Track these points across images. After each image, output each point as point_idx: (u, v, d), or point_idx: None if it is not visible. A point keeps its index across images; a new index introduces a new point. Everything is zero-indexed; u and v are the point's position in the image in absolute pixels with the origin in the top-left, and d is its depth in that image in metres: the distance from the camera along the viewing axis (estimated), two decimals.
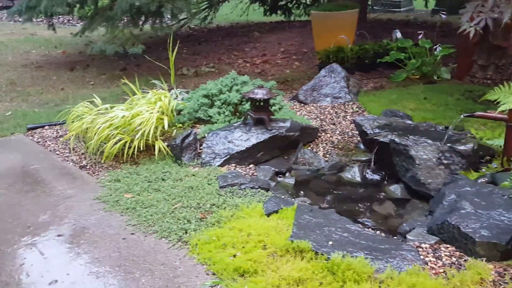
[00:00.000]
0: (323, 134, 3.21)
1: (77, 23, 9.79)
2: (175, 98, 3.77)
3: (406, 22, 9.27)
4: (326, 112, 3.51)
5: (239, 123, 3.06)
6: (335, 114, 3.47)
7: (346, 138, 3.14)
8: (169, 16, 4.76)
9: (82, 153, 3.13)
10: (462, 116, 2.50)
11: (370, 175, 2.75)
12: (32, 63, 6.35)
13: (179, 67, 5.92)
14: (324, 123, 3.36)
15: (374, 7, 10.65)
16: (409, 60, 4.81)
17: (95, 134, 2.88)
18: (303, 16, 9.57)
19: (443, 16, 4.80)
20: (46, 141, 3.42)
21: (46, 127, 3.68)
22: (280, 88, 4.82)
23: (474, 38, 3.60)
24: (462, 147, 2.38)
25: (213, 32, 8.81)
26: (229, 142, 2.88)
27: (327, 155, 2.98)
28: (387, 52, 5.19)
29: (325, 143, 3.10)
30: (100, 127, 2.87)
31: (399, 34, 5.41)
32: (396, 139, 2.58)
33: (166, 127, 2.93)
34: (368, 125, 2.89)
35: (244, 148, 2.82)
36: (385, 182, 2.67)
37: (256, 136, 2.86)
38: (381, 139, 2.69)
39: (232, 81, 3.54)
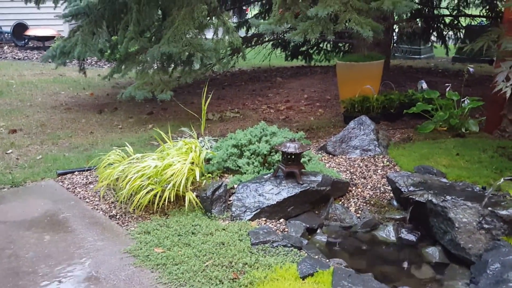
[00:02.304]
0: (354, 188, 3.16)
1: (104, 65, 10.10)
2: (203, 146, 3.79)
3: (428, 70, 9.33)
4: (356, 165, 3.47)
5: (269, 175, 3.04)
6: (365, 168, 3.42)
7: (378, 194, 3.08)
8: (198, 65, 4.87)
9: (112, 202, 3.13)
10: (503, 180, 2.43)
11: (405, 235, 2.67)
12: (61, 105, 6.52)
13: (206, 111, 6.00)
14: (355, 176, 3.32)
15: (395, 54, 10.77)
16: (436, 112, 4.78)
17: (126, 183, 2.89)
18: (324, 61, 9.75)
19: (471, 69, 4.79)
20: (76, 187, 3.44)
21: (76, 172, 3.72)
22: (305, 136, 4.83)
23: (504, 92, 3.57)
24: (504, 212, 2.31)
25: (236, 76, 8.99)
26: (259, 195, 2.85)
27: (359, 211, 2.92)
28: (412, 102, 5.19)
29: (357, 198, 3.05)
30: (132, 177, 2.88)
31: (424, 85, 5.41)
32: (434, 200, 2.51)
33: (197, 178, 2.92)
34: (402, 182, 2.84)
35: (275, 202, 2.78)
36: (422, 244, 2.58)
37: (287, 190, 2.83)
38: (417, 199, 2.62)
39: (261, 131, 3.56)
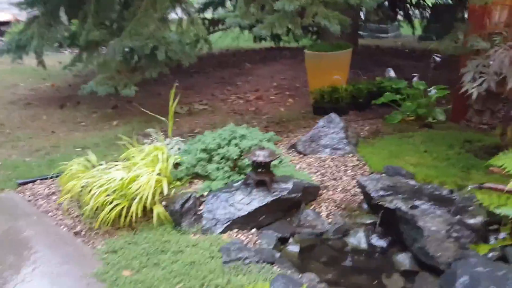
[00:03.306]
0: (324, 191, 3.15)
1: (65, 50, 9.65)
2: (171, 148, 3.69)
3: (395, 51, 9.37)
4: (326, 165, 3.46)
5: (239, 183, 2.98)
6: (335, 168, 3.41)
7: (348, 197, 3.08)
8: (163, 58, 4.69)
9: (76, 216, 3.01)
10: (470, 188, 2.46)
11: (376, 241, 2.69)
12: (20, 99, 6.21)
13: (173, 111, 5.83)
14: (325, 178, 3.31)
15: (363, 32, 10.77)
16: (404, 101, 4.82)
17: (90, 198, 2.77)
18: (292, 42, 9.64)
19: (437, 59, 4.82)
20: (38, 199, 3.29)
21: (38, 181, 3.55)
22: (276, 129, 4.77)
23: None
24: (472, 221, 2.34)
25: (204, 61, 8.76)
26: (230, 205, 2.79)
27: (331, 216, 2.92)
28: (381, 91, 5.21)
29: (327, 202, 3.04)
30: (96, 192, 2.76)
31: (392, 73, 5.43)
32: (403, 208, 2.53)
33: (165, 191, 2.83)
34: (372, 187, 2.85)
35: (246, 213, 2.74)
36: (392, 249, 2.61)
37: (258, 200, 2.79)
38: (386, 205, 2.63)
39: (230, 134, 3.47)
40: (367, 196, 2.87)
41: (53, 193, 3.38)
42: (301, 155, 3.65)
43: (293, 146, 3.81)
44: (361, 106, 5.24)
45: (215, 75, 7.62)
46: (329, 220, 2.87)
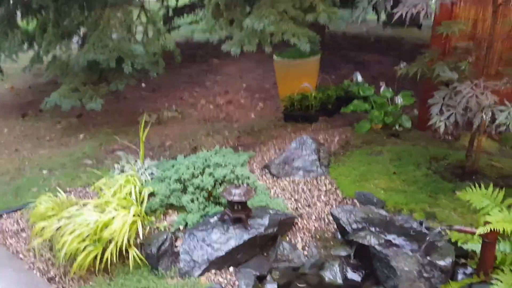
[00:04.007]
0: (299, 220, 3.21)
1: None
2: (142, 174, 3.63)
3: (360, 41, 9.42)
4: (300, 190, 3.50)
5: (216, 219, 2.99)
6: (309, 193, 3.46)
7: (323, 226, 3.15)
8: (129, 71, 4.55)
9: (49, 258, 2.95)
10: (439, 229, 2.56)
11: (351, 274, 2.77)
12: None
13: (140, 111, 5.72)
14: (300, 204, 3.35)
15: None
16: (371, 109, 4.90)
17: (63, 244, 2.71)
18: None
19: (403, 65, 4.90)
20: (6, 237, 3.20)
21: (5, 215, 3.44)
22: (248, 140, 4.77)
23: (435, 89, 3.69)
24: (442, 263, 2.45)
25: (170, 57, 8.56)
26: (207, 245, 2.80)
27: (306, 248, 2.98)
28: (349, 96, 5.28)
29: (303, 233, 3.10)
30: (68, 238, 2.70)
31: (360, 77, 5.49)
32: (377, 247, 2.61)
33: (141, 235, 2.80)
34: (345, 219, 2.92)
35: (224, 253, 2.76)
36: (366, 284, 2.70)
37: (235, 238, 2.81)
38: (360, 241, 2.71)
39: (204, 162, 3.45)
40: (341, 228, 2.95)
41: (23, 230, 3.29)
42: (275, 178, 3.68)
43: (266, 167, 3.83)
44: (331, 112, 5.30)
45: (182, 72, 7.45)
46: (305, 253, 2.93)
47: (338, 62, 7.34)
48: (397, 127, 4.76)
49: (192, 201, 3.23)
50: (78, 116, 5.63)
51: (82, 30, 5.47)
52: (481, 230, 2.28)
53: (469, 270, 2.57)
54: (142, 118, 3.84)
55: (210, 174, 3.33)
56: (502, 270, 2.39)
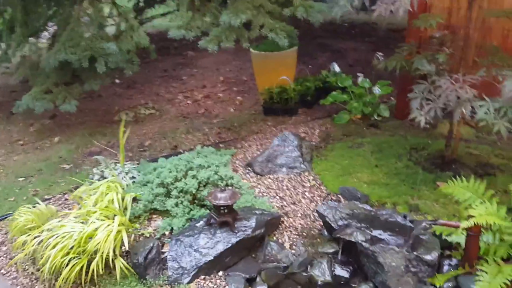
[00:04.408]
0: (285, 218, 3.21)
1: None
2: (124, 177, 3.56)
3: (336, 28, 9.39)
4: (284, 187, 3.50)
5: (202, 223, 2.96)
6: (293, 190, 3.47)
7: (309, 223, 3.16)
8: (102, 70, 4.42)
9: (32, 273, 2.87)
10: (424, 224, 2.60)
11: (339, 271, 2.80)
12: None
13: (116, 110, 5.59)
14: (285, 202, 3.36)
15: None
16: (350, 100, 4.92)
17: (47, 259, 2.64)
18: None
19: (380, 58, 4.92)
20: None
21: None
22: (228, 136, 4.73)
23: (412, 81, 3.72)
24: (428, 257, 2.50)
25: (144, 50, 8.36)
26: (195, 251, 2.78)
27: (294, 246, 2.99)
28: (327, 86, 5.29)
29: (289, 231, 3.11)
30: (51, 252, 2.63)
31: (337, 68, 5.50)
32: (364, 244, 2.64)
33: (126, 244, 2.75)
34: (331, 216, 2.94)
35: (212, 258, 2.74)
36: (355, 279, 2.74)
37: (222, 242, 2.79)
38: (347, 238, 2.74)
39: (186, 164, 3.40)
40: (327, 225, 2.96)
41: (3, 243, 3.19)
42: (259, 176, 3.66)
43: (249, 165, 3.81)
44: (310, 103, 5.30)
45: (157, 66, 7.32)
46: (293, 251, 2.94)
47: (315, 51, 7.33)
48: (375, 116, 4.81)
49: (177, 205, 3.18)
50: (51, 117, 5.46)
51: (52, 28, 5.28)
52: (465, 224, 2.33)
53: (454, 261, 2.63)
54: (122, 122, 3.73)
55: (194, 176, 3.29)
56: (487, 261, 2.46)
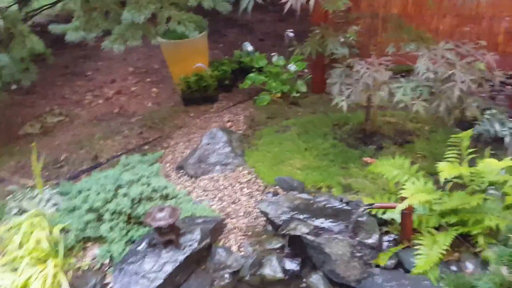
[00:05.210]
0: (228, 220, 3.18)
1: None
2: (45, 207, 3.28)
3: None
4: (222, 186, 3.45)
5: (144, 245, 2.83)
6: (231, 188, 3.43)
7: (252, 221, 3.16)
8: None
9: None
10: (362, 209, 2.72)
11: (289, 265, 2.85)
12: None
13: (19, 123, 5.06)
14: (225, 203, 3.32)
15: None
16: (269, 80, 4.92)
17: None
18: None
19: (290, 34, 4.95)
20: None
21: None
22: (152, 135, 4.52)
23: (325, 60, 3.81)
24: (370, 241, 2.64)
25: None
26: (142, 277, 2.66)
27: (241, 248, 2.99)
28: (243, 67, 5.24)
29: (234, 233, 3.09)
30: None
31: (250, 47, 5.43)
32: (309, 237, 2.71)
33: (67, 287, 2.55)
34: (274, 212, 2.97)
35: (162, 281, 2.64)
36: (305, 271, 2.81)
37: (170, 262, 2.70)
38: (292, 233, 2.79)
39: (114, 182, 3.20)
40: (271, 222, 2.99)
41: None
42: (193, 179, 3.57)
43: (181, 168, 3.69)
44: (229, 87, 5.22)
45: (56, 62, 6.66)
46: (241, 253, 2.94)
47: (223, 27, 7.16)
48: (295, 93, 4.87)
49: (112, 229, 3.01)
50: None
51: None
52: (400, 207, 2.47)
53: (392, 237, 2.80)
54: (33, 148, 3.38)
55: (125, 194, 3.11)
56: (421, 233, 2.65)
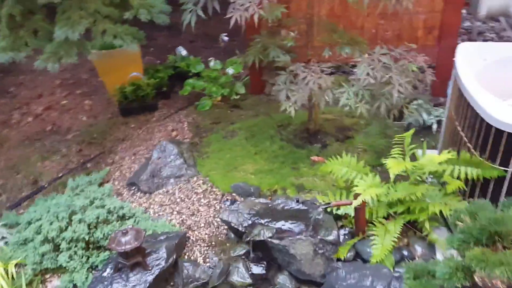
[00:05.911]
0: (190, 232, 3.22)
1: None
2: None
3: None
4: (178, 200, 3.46)
5: (109, 271, 2.79)
6: (188, 200, 3.45)
7: (214, 231, 3.23)
8: None
9: None
10: (321, 209, 2.90)
11: (255, 269, 2.97)
12: None
13: None
14: (184, 216, 3.34)
15: None
16: (208, 85, 4.96)
17: None
18: None
19: (225, 39, 5.01)
20: None
21: None
22: (93, 151, 4.37)
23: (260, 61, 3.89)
24: (330, 238, 2.82)
25: None
26: None
27: (207, 259, 3.05)
28: (179, 72, 5.23)
29: (198, 245, 3.14)
30: None
31: (183, 51, 5.42)
32: (274, 241, 2.84)
33: None
34: (235, 220, 3.05)
35: None
36: (271, 273, 2.94)
37: (139, 285, 2.69)
38: (257, 239, 2.91)
39: (67, 209, 3.09)
40: (234, 229, 3.08)
41: None
42: (148, 194, 3.54)
43: (133, 184, 3.63)
44: (167, 94, 5.18)
45: None
46: (208, 264, 3.00)
47: (148, 29, 6.98)
48: (234, 96, 4.95)
49: (71, 258, 2.92)
50: None
51: None
52: (356, 203, 2.68)
53: (347, 230, 3.02)
54: None
55: (80, 220, 3.02)
56: (374, 224, 2.89)
